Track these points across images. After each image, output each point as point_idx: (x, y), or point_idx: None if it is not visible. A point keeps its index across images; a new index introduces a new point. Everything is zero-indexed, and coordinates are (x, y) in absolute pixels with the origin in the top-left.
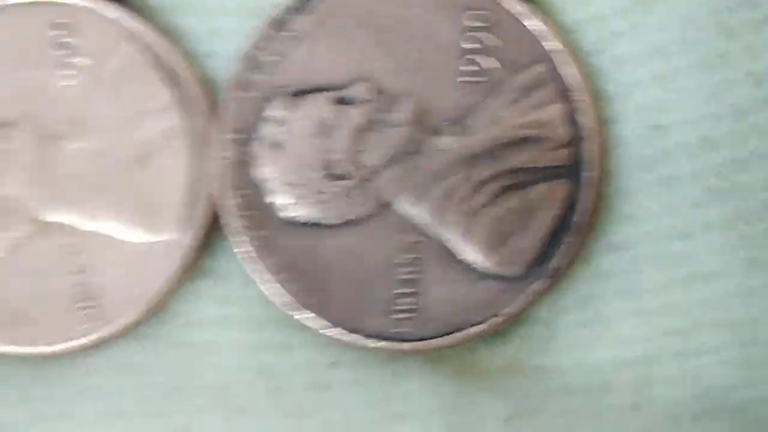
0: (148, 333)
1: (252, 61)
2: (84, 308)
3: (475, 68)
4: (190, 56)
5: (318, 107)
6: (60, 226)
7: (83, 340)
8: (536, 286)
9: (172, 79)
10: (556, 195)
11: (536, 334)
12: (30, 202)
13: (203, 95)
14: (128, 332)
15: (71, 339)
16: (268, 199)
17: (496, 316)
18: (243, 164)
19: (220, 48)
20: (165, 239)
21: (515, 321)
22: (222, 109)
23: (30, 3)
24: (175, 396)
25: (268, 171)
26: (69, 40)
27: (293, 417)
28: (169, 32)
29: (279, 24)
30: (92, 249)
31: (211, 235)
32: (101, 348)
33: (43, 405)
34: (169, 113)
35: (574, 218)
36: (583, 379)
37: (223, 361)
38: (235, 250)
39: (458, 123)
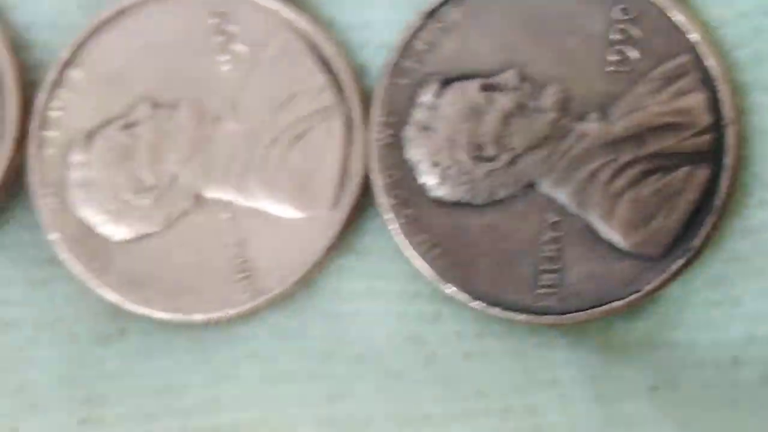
0: (301, 303)
1: (405, 50)
2: (241, 279)
3: (621, 58)
4: (344, 45)
5: (467, 93)
6: (218, 202)
7: (241, 308)
8: (673, 265)
9: (326, 65)
10: (695, 180)
11: (670, 311)
12: (191, 180)
13: (355, 81)
14: (282, 302)
15: (230, 307)
16: (418, 180)
17: (635, 293)
18: (394, 146)
19: (372, 37)
20: (317, 216)
21: (651, 299)
22: (375, 94)
23: None
24: (329, 361)
25: (418, 153)
26: (228, 27)
27: (443, 383)
28: (324, 22)
29: (431, 15)
30: (249, 224)
31: (362, 212)
32: (258, 315)
33: (208, 367)
34: (324, 94)
35: (714, 202)
36: (715, 354)
37: (373, 331)
38: (386, 227)
39: (602, 110)
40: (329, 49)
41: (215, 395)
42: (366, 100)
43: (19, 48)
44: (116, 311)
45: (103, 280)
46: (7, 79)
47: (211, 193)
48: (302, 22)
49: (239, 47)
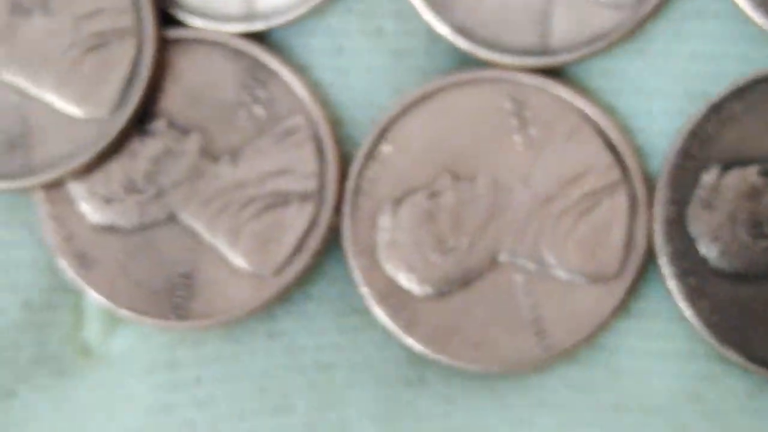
0: (589, 359)
1: (690, 137)
2: (535, 335)
3: None
4: (627, 130)
5: (747, 177)
6: (513, 265)
7: (534, 361)
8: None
9: (611, 147)
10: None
11: None
12: (487, 244)
13: (639, 161)
14: (571, 357)
15: (525, 359)
16: (700, 252)
17: None
18: (677, 221)
19: (651, 123)
20: (604, 282)
21: None
22: (661, 174)
23: (492, 80)
24: (617, 413)
25: (700, 228)
26: (523, 111)
27: None
28: (608, 109)
29: (716, 108)
30: (541, 286)
31: (645, 279)
32: (550, 368)
33: (505, 414)
34: (610, 173)
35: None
36: None
37: (655, 387)
38: (668, 294)
39: None
40: (614, 133)
41: None
42: (648, 178)
43: (335, 123)
44: (419, 359)
45: (408, 331)
46: (328, 152)
47: (506, 257)
48: (589, 109)
49: (532, 129)
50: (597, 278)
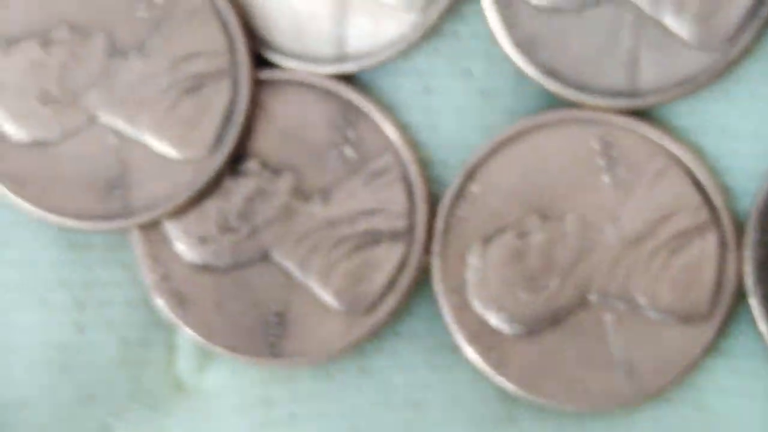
0: (678, 398)
1: None
2: (624, 375)
3: None
4: (714, 170)
5: None
6: (604, 305)
7: (624, 401)
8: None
9: (699, 187)
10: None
11: None
12: (578, 283)
13: (726, 201)
14: (661, 396)
15: (615, 399)
16: None
17: None
18: (767, 263)
19: (737, 164)
20: (695, 322)
21: None
22: (750, 215)
23: (580, 120)
24: None
25: None
26: (611, 151)
27: None
28: (695, 150)
29: None
30: (632, 326)
31: (735, 319)
32: (639, 408)
33: None
34: (700, 212)
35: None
36: None
37: (743, 426)
38: (758, 333)
39: None
40: (702, 174)
41: None
42: (737, 219)
43: (424, 163)
44: (509, 397)
45: (498, 370)
46: (417, 192)
47: (596, 297)
48: (677, 149)
49: (620, 169)
50: (687, 318)
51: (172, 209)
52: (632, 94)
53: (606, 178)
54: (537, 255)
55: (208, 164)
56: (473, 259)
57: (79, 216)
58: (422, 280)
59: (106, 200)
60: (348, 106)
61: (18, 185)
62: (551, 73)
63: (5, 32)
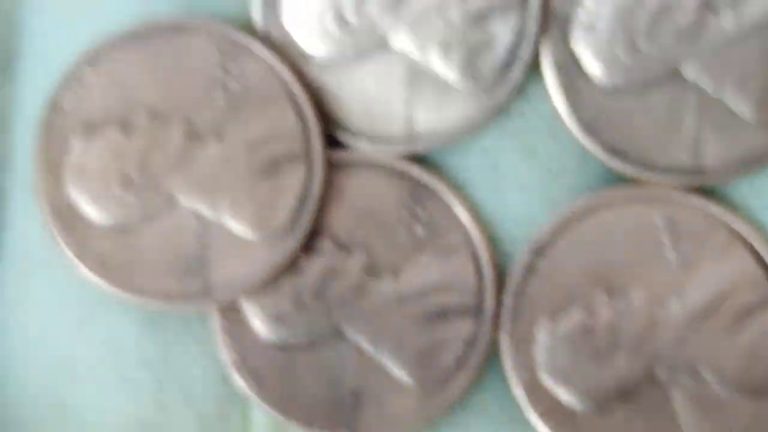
0: None
1: None
2: None
3: None
4: None
5: None
6: (672, 381)
7: None
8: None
9: (763, 263)
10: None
11: None
12: (647, 357)
13: None
14: None
15: None
16: None
17: None
18: None
19: None
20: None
21: None
22: None
23: (644, 198)
24: None
25: None
26: (671, 226)
27: None
28: (759, 225)
29: None
30: (701, 403)
31: None
32: None
33: None
34: (763, 286)
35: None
36: None
37: None
38: None
39: None
40: (765, 249)
41: None
42: None
43: (492, 240)
44: None
45: None
46: (485, 268)
47: (664, 371)
48: (739, 225)
49: (684, 245)
50: (755, 392)
51: (249, 288)
52: (696, 171)
53: (670, 254)
54: (604, 330)
55: (284, 244)
56: (542, 335)
57: (160, 296)
58: (492, 354)
59: (185, 281)
60: (417, 185)
61: (101, 267)
62: (615, 152)
63: (86, 119)
